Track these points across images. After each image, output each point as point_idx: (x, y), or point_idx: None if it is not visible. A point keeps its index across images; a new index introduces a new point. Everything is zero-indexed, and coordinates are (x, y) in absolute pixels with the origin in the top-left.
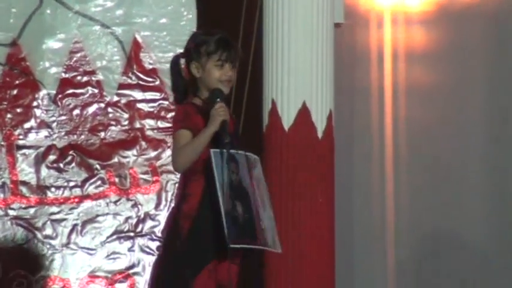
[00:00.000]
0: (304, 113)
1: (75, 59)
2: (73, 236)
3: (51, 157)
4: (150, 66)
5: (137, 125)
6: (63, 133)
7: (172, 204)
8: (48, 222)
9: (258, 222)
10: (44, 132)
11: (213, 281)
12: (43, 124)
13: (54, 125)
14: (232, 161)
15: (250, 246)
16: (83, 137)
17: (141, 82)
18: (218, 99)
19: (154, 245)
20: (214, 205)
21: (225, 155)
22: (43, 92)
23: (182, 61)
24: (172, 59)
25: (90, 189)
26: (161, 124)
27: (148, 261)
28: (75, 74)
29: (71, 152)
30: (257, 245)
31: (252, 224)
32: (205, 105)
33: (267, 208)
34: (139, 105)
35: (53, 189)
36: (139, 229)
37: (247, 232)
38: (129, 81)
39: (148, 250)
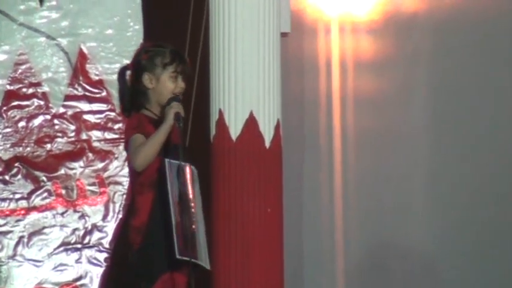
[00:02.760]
0: (251, 122)
1: (20, 70)
2: (19, 248)
3: None
4: (97, 78)
5: (84, 137)
6: (8, 145)
7: (120, 216)
8: None
9: (198, 236)
10: None
11: None
12: None
13: None
14: (182, 173)
15: (193, 259)
16: (28, 149)
17: (87, 93)
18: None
19: (101, 256)
20: (164, 217)
21: (174, 166)
22: None
23: (128, 72)
24: (119, 70)
25: (37, 201)
26: (108, 135)
27: (96, 272)
28: (20, 86)
29: (16, 164)
30: (196, 258)
31: (194, 238)
32: (158, 117)
33: (202, 223)
34: (85, 117)
35: None
36: (86, 241)
37: (191, 245)
38: (76, 92)
39: (95, 262)
